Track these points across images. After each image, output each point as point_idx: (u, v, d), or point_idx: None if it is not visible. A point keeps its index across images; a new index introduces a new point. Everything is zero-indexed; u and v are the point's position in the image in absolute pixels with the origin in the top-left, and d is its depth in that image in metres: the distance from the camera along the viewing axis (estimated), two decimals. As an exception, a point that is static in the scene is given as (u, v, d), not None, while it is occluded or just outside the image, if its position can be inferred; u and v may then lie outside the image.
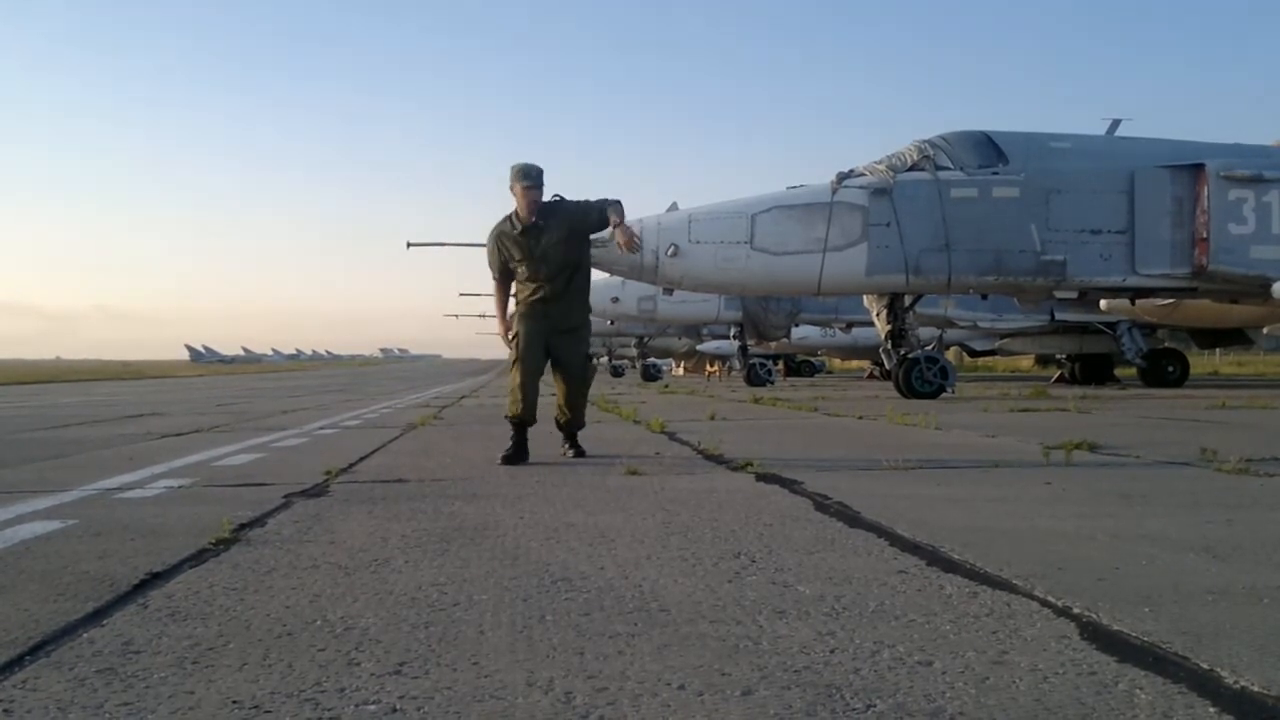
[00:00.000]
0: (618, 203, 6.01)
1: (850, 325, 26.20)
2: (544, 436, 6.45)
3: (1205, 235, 13.08)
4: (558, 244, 5.90)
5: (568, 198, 6.04)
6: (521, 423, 5.87)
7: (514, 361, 6.00)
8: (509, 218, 5.96)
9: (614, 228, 5.93)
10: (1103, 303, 18.33)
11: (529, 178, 5.82)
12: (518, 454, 5.77)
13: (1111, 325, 21.56)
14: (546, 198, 5.95)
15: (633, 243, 6.04)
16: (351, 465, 5.78)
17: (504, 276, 6.13)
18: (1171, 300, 16.89)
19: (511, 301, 6.25)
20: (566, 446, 6.16)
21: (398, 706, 1.74)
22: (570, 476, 5.08)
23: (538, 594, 2.53)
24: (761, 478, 4.87)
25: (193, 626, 2.27)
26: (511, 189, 5.88)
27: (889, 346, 14.08)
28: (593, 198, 6.09)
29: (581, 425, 6.24)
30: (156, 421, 10.81)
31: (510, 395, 5.94)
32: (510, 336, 6.07)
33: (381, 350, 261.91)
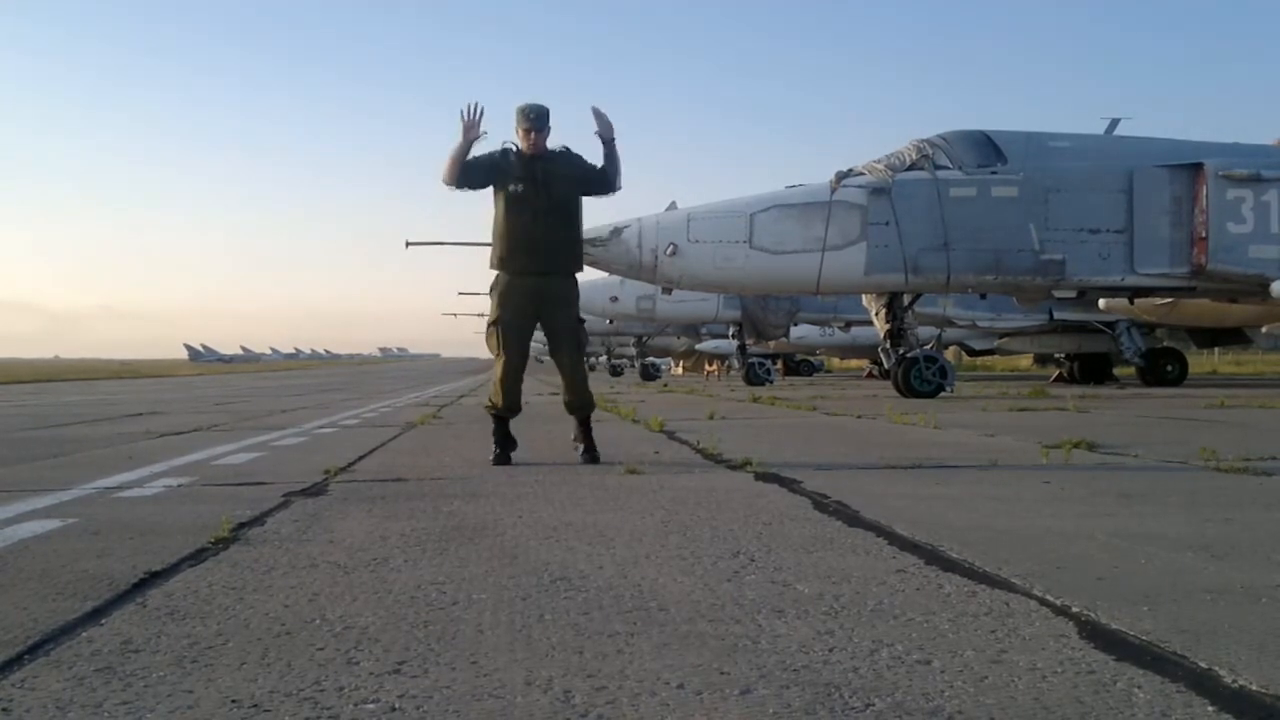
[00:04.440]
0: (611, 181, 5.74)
1: (849, 324, 26.20)
2: (544, 436, 6.46)
3: (1204, 234, 13.09)
4: (563, 178, 5.58)
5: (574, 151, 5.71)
6: (502, 415, 5.69)
7: (497, 354, 5.70)
8: (515, 146, 5.61)
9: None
10: (1101, 302, 18.34)
11: (528, 119, 5.49)
12: (504, 452, 5.66)
13: (1110, 324, 21.58)
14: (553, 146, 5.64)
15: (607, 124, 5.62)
16: (350, 464, 5.78)
17: (480, 169, 5.60)
18: (1170, 299, 16.90)
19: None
20: (578, 444, 5.71)
21: (397, 705, 1.74)
22: (569, 476, 5.08)
23: (536, 593, 2.53)
24: (760, 477, 4.87)
25: (192, 625, 2.27)
26: (516, 128, 5.57)
27: (888, 346, 14.08)
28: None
29: (589, 404, 5.80)
30: (156, 420, 10.80)
31: (493, 387, 5.74)
32: (490, 322, 5.71)
33: (380, 349, 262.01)
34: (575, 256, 5.79)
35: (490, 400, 5.78)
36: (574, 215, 5.73)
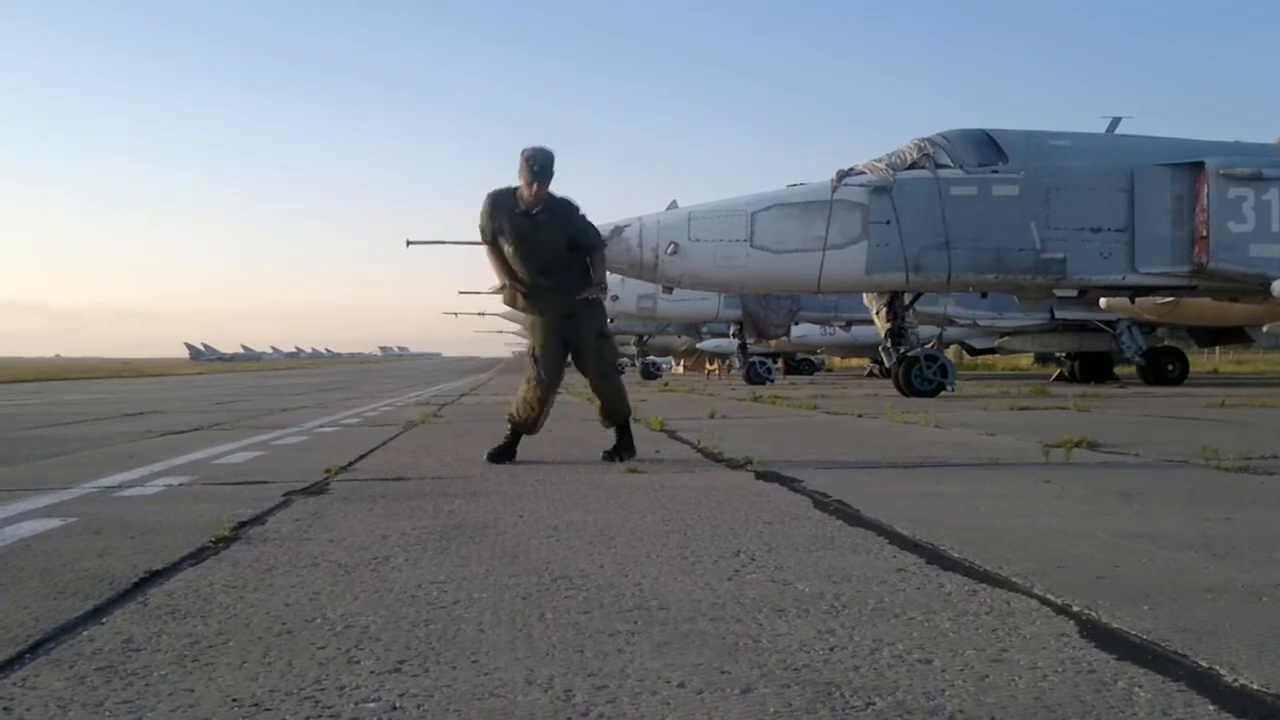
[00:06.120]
0: (598, 246, 5.88)
1: (850, 323, 26.21)
2: (545, 435, 6.43)
3: (1205, 233, 13.08)
4: (554, 243, 5.65)
5: (573, 200, 5.76)
6: (520, 430, 5.80)
7: (533, 375, 5.77)
8: (514, 191, 5.64)
9: (594, 285, 5.77)
10: (1102, 301, 18.33)
11: (531, 171, 5.50)
12: (503, 453, 5.71)
13: (1111, 323, 21.58)
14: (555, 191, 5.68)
15: (597, 294, 5.83)
16: (351, 463, 5.78)
17: (494, 242, 5.78)
18: (1171, 298, 16.88)
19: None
20: (619, 452, 5.69)
21: (397, 704, 1.74)
22: (570, 475, 5.09)
23: (537, 592, 2.54)
24: (761, 476, 4.87)
25: (192, 624, 2.27)
26: (519, 173, 5.58)
27: (889, 345, 14.08)
28: (592, 219, 5.85)
29: (623, 413, 5.84)
30: (156, 419, 10.81)
31: (524, 403, 5.78)
32: (530, 354, 5.85)
33: (381, 348, 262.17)
34: (584, 279, 5.83)
35: (517, 414, 5.81)
36: (566, 269, 5.76)
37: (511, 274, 5.78)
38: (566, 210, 5.70)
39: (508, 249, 5.71)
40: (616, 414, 5.85)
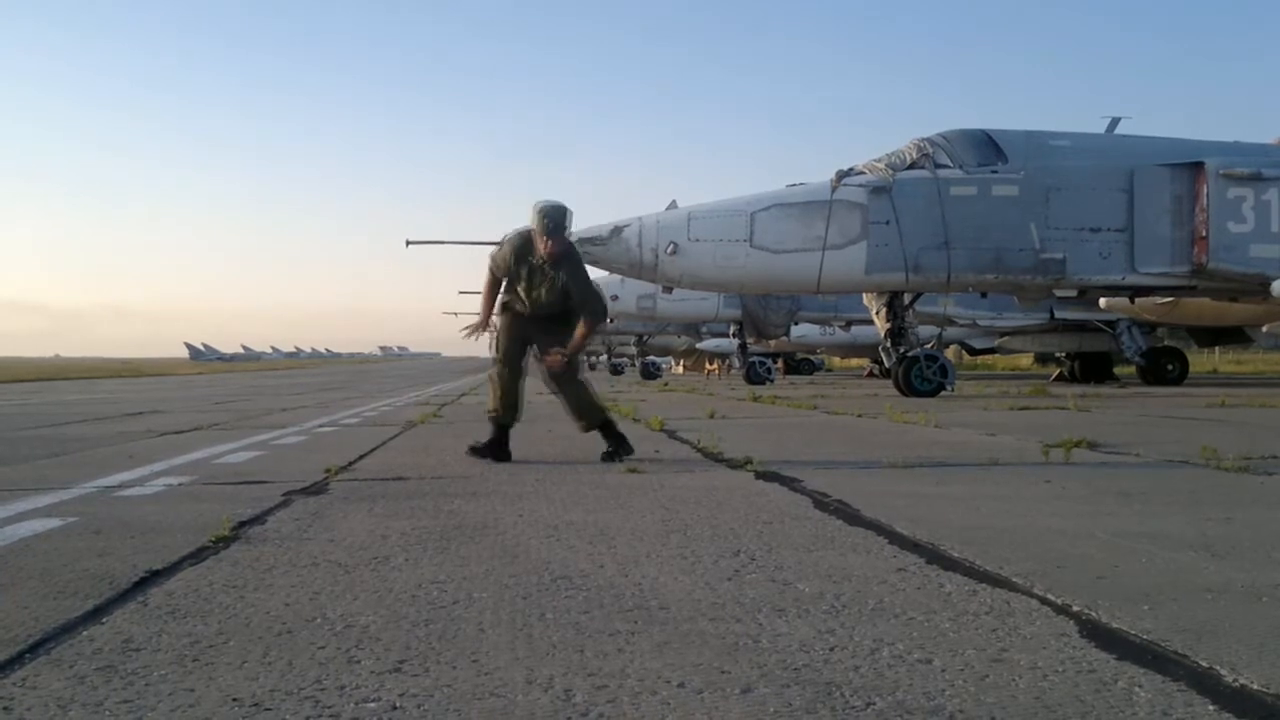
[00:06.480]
0: (597, 315, 5.90)
1: (849, 323, 26.21)
2: (545, 436, 6.45)
3: (1204, 233, 13.08)
4: (557, 299, 5.78)
5: (576, 233, 5.88)
6: (498, 422, 5.86)
7: (495, 361, 5.96)
8: (531, 241, 5.73)
9: (568, 348, 5.79)
10: (1102, 301, 18.34)
11: (546, 228, 5.60)
12: (490, 448, 5.77)
13: (1111, 323, 21.59)
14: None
15: (556, 363, 5.82)
16: (351, 463, 5.78)
17: (502, 279, 5.94)
18: (1171, 298, 16.89)
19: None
20: (616, 453, 5.70)
21: (398, 704, 1.74)
22: (569, 475, 5.09)
23: (537, 592, 2.54)
24: (761, 475, 4.87)
25: (193, 624, 2.27)
26: (532, 224, 5.66)
27: (888, 345, 14.09)
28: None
29: (597, 421, 5.89)
30: (156, 419, 10.81)
31: (490, 394, 5.93)
32: (492, 335, 6.04)
33: (381, 348, 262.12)
34: (564, 321, 5.90)
35: (488, 406, 5.95)
36: (563, 310, 5.87)
37: (489, 315, 6.04)
38: (575, 271, 5.81)
39: (520, 286, 5.85)
40: (589, 415, 5.92)
